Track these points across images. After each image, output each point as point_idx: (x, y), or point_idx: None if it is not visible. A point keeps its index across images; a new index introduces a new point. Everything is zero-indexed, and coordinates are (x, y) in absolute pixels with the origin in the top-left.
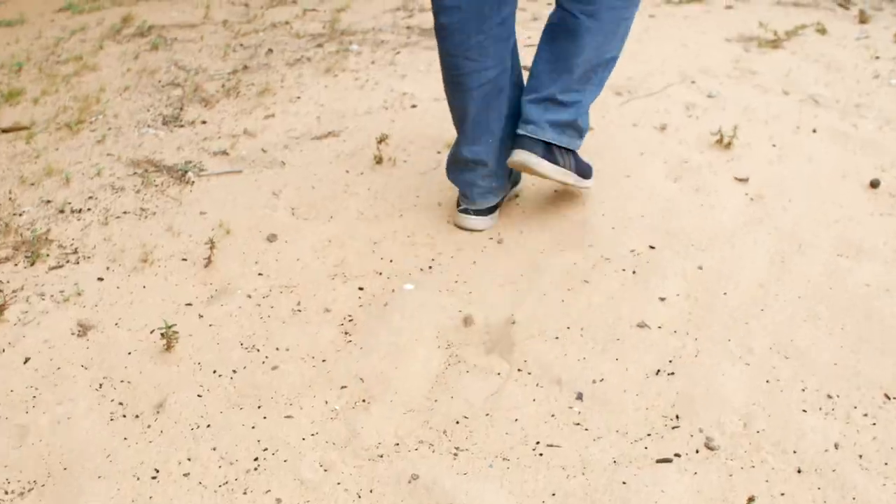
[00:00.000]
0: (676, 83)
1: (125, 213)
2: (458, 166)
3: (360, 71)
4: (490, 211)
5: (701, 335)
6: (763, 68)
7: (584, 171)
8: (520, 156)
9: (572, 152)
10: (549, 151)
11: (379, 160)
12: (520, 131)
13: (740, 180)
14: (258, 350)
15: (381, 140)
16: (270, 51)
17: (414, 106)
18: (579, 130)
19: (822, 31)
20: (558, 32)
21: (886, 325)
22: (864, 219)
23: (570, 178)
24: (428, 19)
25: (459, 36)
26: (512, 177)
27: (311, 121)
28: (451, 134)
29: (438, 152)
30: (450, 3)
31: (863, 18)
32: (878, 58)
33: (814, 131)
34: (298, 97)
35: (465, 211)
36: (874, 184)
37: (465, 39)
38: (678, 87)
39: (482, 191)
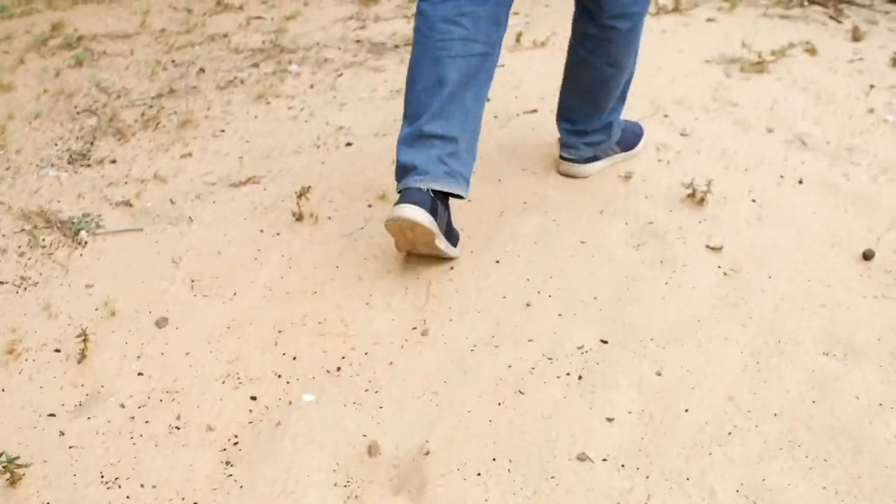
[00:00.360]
0: (647, 117)
1: (1, 283)
2: (419, 143)
3: (296, 97)
4: (433, 206)
5: (654, 471)
6: (745, 98)
7: (628, 140)
8: (566, 167)
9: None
10: (592, 158)
11: (299, 217)
12: (563, 154)
13: (713, 249)
14: (120, 486)
15: (302, 194)
16: (202, 70)
17: (349, 144)
18: (614, 131)
19: (812, 51)
20: (584, 73)
21: (879, 456)
22: (856, 304)
23: (617, 158)
24: (381, 31)
25: (454, 3)
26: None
27: (232, 162)
28: (387, 181)
29: (369, 205)
30: None
31: (856, 35)
32: (872, 86)
33: (800, 182)
34: (222, 130)
35: (407, 195)
36: (867, 255)
37: (460, 5)
38: (649, 123)
39: (448, 170)
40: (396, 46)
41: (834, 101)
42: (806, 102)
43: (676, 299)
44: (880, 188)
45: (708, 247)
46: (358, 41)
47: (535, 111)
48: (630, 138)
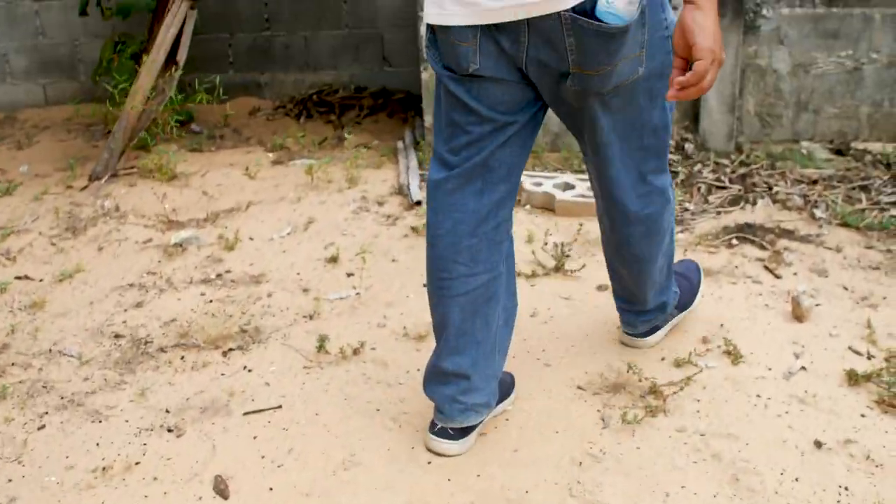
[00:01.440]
0: None
1: None
2: (437, 379)
3: None
4: (465, 433)
5: None
6: (619, 492)
7: (685, 300)
8: (627, 340)
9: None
10: (651, 331)
11: None
12: (624, 329)
13: None
14: None
15: None
16: None
17: None
18: (669, 306)
19: (735, 355)
20: (619, 270)
21: None
22: None
23: (675, 321)
24: (160, 311)
25: (452, 238)
26: (501, 392)
27: None
28: None
29: None
30: (446, 203)
31: (797, 313)
32: (820, 444)
33: None
34: None
35: (438, 432)
36: None
37: (458, 242)
38: None
39: (462, 408)
40: (162, 350)
41: (760, 491)
42: (714, 499)
43: None
44: None
45: None
46: (117, 336)
47: None
48: (686, 296)
